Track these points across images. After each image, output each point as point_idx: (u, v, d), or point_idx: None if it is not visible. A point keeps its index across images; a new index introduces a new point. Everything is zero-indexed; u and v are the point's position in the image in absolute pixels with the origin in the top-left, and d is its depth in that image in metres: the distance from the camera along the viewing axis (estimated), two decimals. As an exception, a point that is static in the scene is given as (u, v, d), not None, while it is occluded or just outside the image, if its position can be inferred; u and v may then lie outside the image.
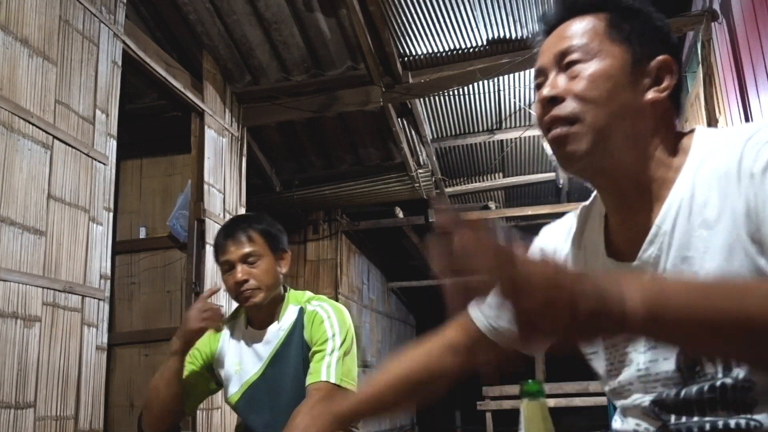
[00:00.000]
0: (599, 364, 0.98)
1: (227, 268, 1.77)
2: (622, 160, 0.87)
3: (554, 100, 0.88)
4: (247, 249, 1.75)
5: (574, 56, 0.89)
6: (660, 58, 0.89)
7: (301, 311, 1.82)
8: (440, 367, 1.12)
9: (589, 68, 0.87)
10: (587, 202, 1.03)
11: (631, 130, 0.86)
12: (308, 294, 1.89)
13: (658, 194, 0.87)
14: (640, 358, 0.89)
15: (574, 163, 0.89)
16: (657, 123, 0.88)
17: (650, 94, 0.88)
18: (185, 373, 1.83)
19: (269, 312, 1.81)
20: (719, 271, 0.80)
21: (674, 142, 0.89)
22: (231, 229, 1.80)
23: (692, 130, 0.90)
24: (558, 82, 0.90)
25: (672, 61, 0.89)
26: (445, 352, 1.12)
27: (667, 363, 0.86)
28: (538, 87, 0.94)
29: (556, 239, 1.05)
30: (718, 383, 0.81)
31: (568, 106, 0.87)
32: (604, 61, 0.87)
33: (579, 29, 0.91)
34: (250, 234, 1.77)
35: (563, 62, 0.90)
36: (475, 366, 1.13)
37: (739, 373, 0.79)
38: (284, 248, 1.84)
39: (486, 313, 1.09)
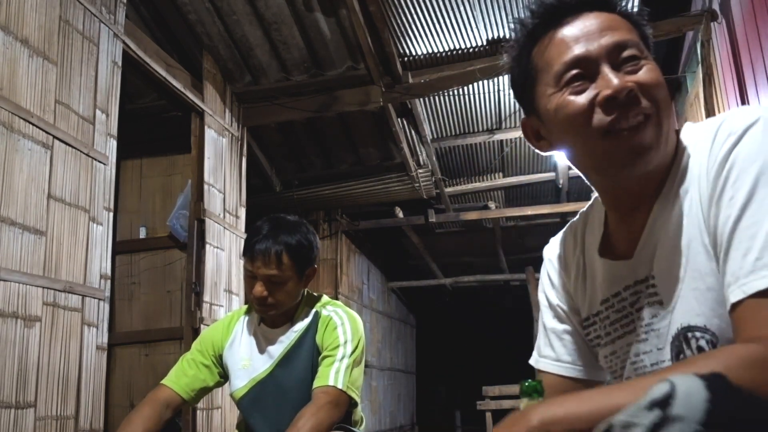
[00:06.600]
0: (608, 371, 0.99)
1: (250, 275, 1.74)
2: (661, 157, 0.86)
3: (633, 96, 0.81)
4: (274, 272, 1.70)
5: (633, 52, 0.83)
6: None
7: (316, 315, 1.83)
8: None
9: (652, 67, 0.83)
10: (585, 209, 1.04)
11: (667, 132, 0.85)
12: (325, 298, 1.90)
13: (656, 190, 0.88)
14: (631, 352, 0.91)
15: (645, 155, 0.82)
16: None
17: None
18: (192, 363, 1.85)
19: (284, 313, 1.82)
20: (685, 270, 0.81)
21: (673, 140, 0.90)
22: (264, 243, 1.71)
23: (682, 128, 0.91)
24: (622, 77, 0.82)
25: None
26: None
27: (661, 353, 0.87)
28: (576, 78, 0.84)
29: (553, 254, 1.07)
30: None
31: (643, 103, 0.81)
32: (654, 64, 0.84)
33: (624, 25, 0.86)
34: (281, 257, 1.70)
35: (620, 56, 0.83)
36: None
37: None
38: (312, 265, 1.79)
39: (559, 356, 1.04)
